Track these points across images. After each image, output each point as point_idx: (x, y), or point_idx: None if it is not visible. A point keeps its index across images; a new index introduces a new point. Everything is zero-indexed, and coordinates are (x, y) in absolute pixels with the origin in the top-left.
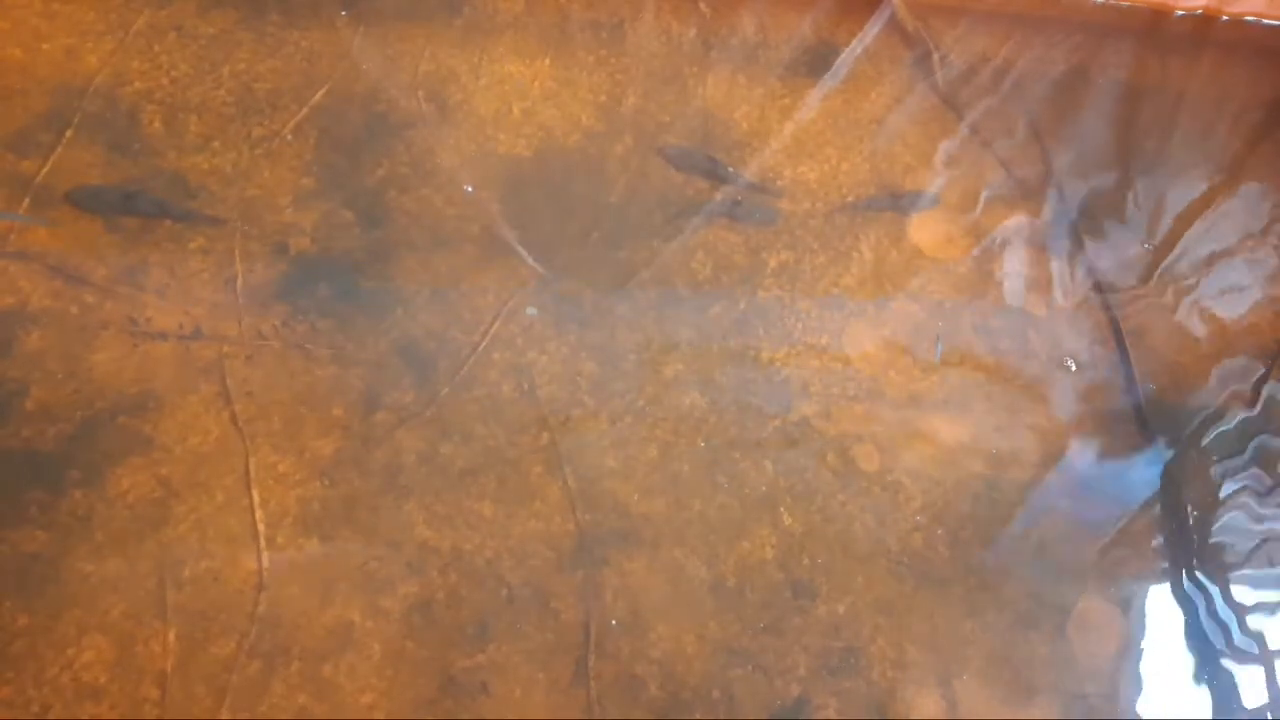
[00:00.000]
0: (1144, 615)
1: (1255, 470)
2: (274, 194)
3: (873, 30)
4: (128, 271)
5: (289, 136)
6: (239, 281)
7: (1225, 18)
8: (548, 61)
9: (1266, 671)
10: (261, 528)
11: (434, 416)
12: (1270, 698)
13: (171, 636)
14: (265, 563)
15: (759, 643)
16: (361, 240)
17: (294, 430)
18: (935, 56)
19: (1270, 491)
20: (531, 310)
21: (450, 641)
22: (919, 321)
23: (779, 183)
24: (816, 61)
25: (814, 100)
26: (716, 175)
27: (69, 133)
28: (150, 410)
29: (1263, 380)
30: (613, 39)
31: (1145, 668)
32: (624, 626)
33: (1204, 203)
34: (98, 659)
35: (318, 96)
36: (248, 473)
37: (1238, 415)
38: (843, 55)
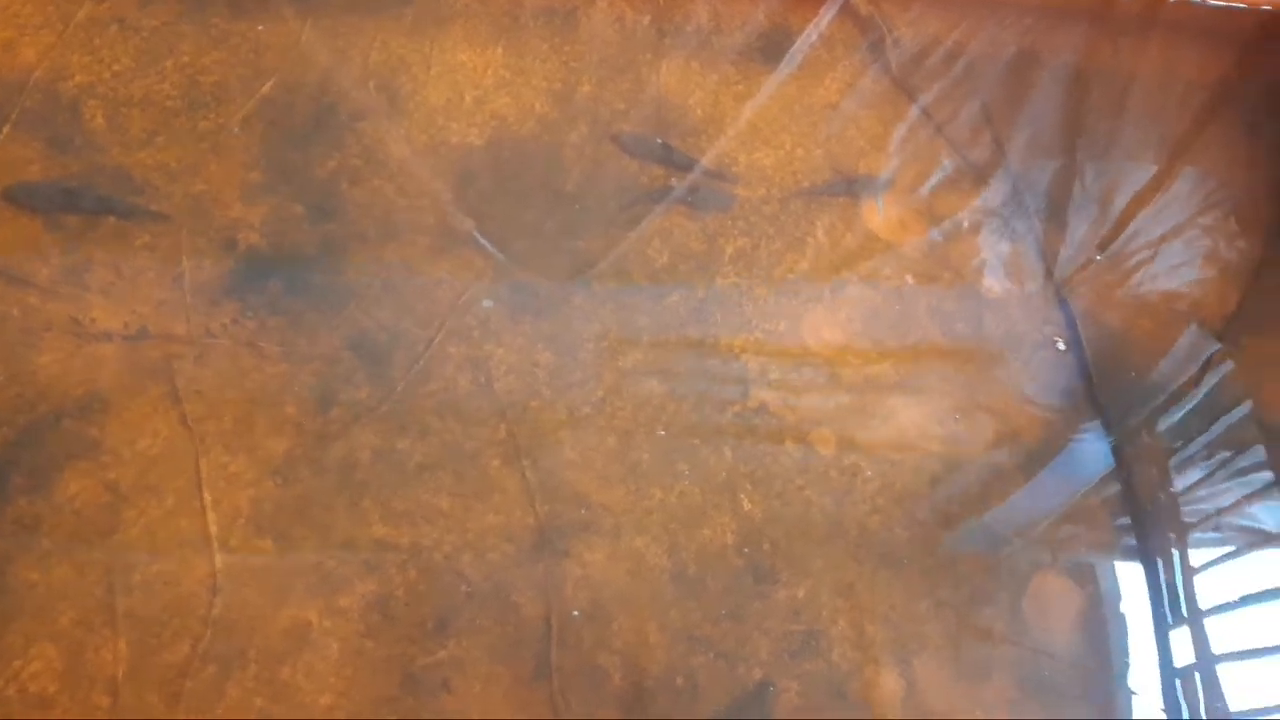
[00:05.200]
0: (1098, 589)
1: (1205, 445)
2: (221, 189)
3: (826, 15)
4: (71, 271)
5: (236, 130)
6: (186, 279)
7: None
8: (500, 50)
9: (1213, 641)
10: (214, 530)
11: (389, 412)
12: (1201, 661)
13: (123, 644)
14: (218, 565)
15: (721, 629)
16: (312, 234)
17: (245, 429)
18: (889, 40)
19: (1220, 465)
20: (487, 302)
21: (410, 639)
22: (875, 306)
23: (734, 169)
24: (770, 47)
25: (769, 86)
26: (672, 163)
27: (6, 129)
28: (97, 412)
29: (1211, 357)
30: (566, 26)
31: (1100, 640)
32: (586, 618)
33: (1153, 184)
34: (46, 669)
35: (265, 88)
36: (199, 474)
37: (1187, 392)
38: (797, 41)
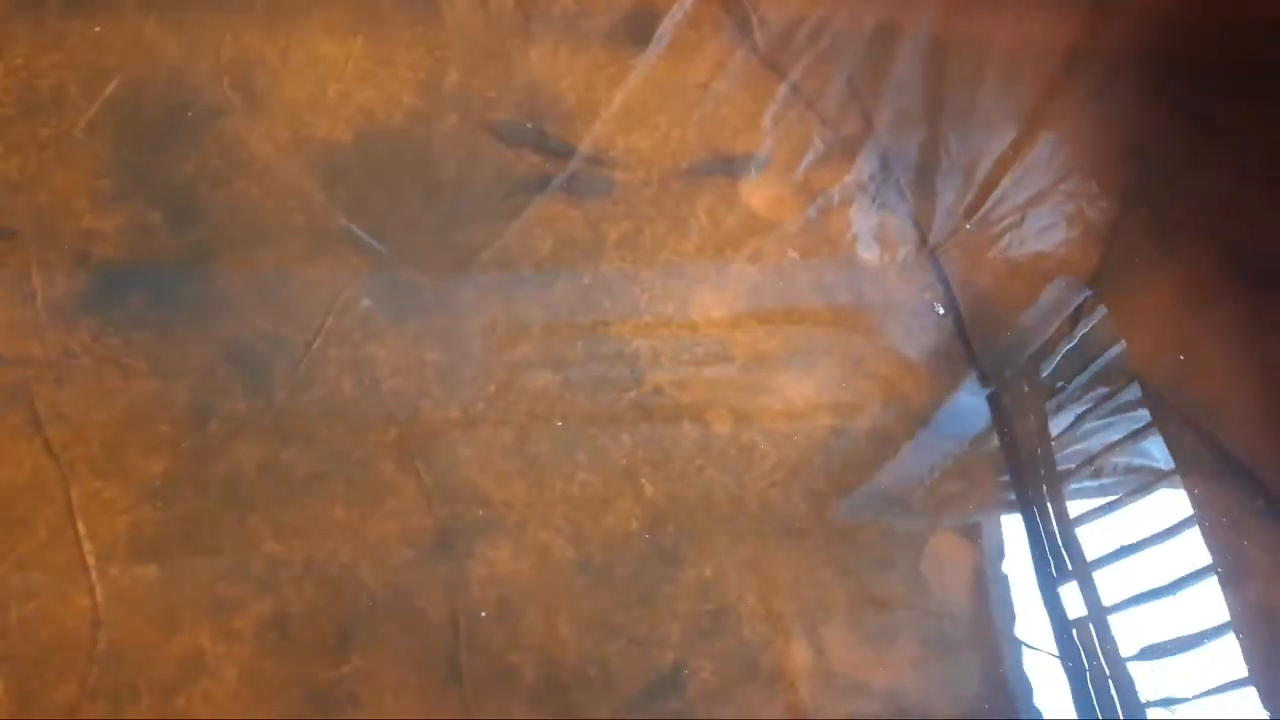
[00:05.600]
0: (991, 544)
1: (1078, 394)
2: (69, 199)
3: None
4: None
5: (81, 136)
6: (38, 297)
7: None
8: (360, 40)
9: (1100, 586)
10: (91, 560)
11: (271, 423)
12: (1091, 608)
13: (2, 686)
14: (100, 597)
15: (631, 615)
16: (173, 242)
17: (117, 452)
18: (754, 19)
19: (1093, 412)
20: (367, 301)
21: (311, 655)
22: (759, 282)
23: (612, 153)
24: (637, 29)
25: (639, 68)
26: (548, 149)
27: None
28: None
29: (1078, 312)
30: (428, 13)
31: (995, 595)
32: (494, 617)
33: (1013, 150)
34: None
35: (110, 90)
36: (70, 503)
37: (1058, 345)
38: (664, 21)
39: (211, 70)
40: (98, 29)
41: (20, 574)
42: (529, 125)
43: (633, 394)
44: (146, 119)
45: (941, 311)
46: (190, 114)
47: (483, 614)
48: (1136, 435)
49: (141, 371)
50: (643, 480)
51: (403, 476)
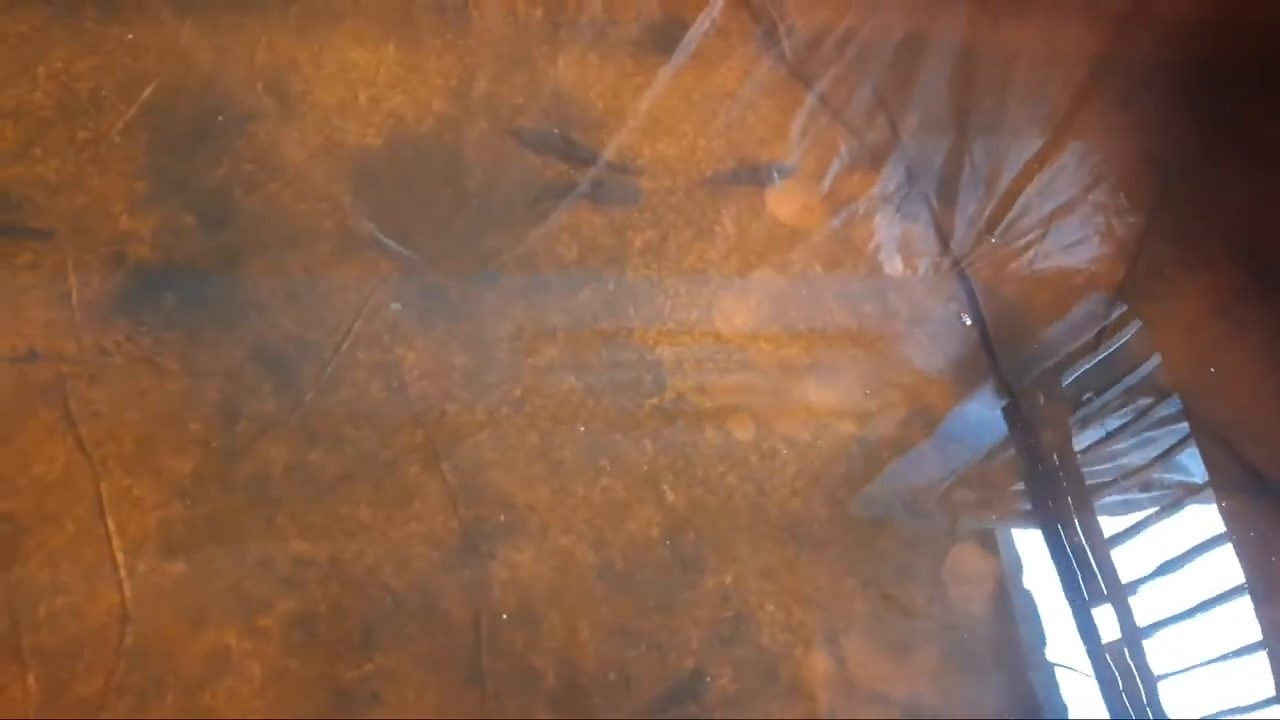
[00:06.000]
0: (1014, 556)
1: (1106, 407)
2: (106, 201)
3: (719, 4)
4: None
5: (118, 138)
6: (74, 296)
7: None
8: (392, 47)
9: (1133, 602)
10: (120, 556)
11: (299, 423)
12: (1118, 623)
13: (31, 680)
14: (128, 592)
15: (651, 621)
16: (206, 244)
17: (147, 450)
18: (781, 28)
19: (1121, 427)
20: (395, 305)
21: (336, 654)
22: (784, 291)
23: (638, 161)
24: (665, 38)
25: (666, 77)
26: (575, 157)
27: None
28: None
29: (1105, 324)
30: (458, 21)
31: (1017, 607)
32: (515, 620)
33: (1040, 160)
34: None
35: (146, 94)
36: (100, 499)
37: (1084, 359)
38: (691, 30)
39: (245, 75)
40: (136, 31)
41: (50, 569)
42: (556, 132)
43: (655, 400)
44: (182, 123)
45: (969, 323)
46: (224, 118)
47: (504, 616)
48: (1166, 451)
49: (173, 371)
50: (664, 486)
51: (428, 478)
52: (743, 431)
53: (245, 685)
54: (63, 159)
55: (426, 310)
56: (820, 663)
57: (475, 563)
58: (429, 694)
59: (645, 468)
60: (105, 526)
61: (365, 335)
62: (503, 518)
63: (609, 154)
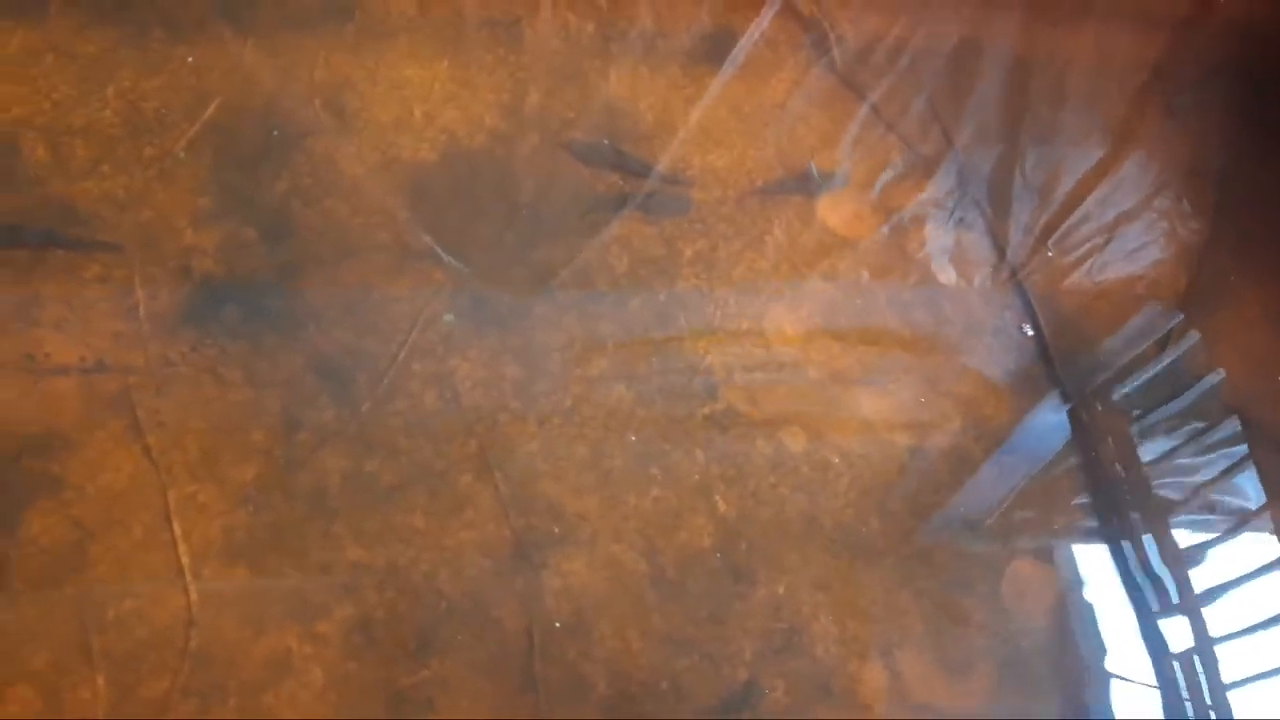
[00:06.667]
0: (1075, 571)
1: (1169, 420)
2: (171, 216)
3: (769, 14)
4: (20, 306)
5: (182, 155)
6: (141, 309)
7: None
8: (446, 63)
9: (1196, 619)
10: (186, 561)
11: (356, 433)
12: (1200, 646)
13: (100, 681)
14: (193, 597)
15: (703, 631)
16: (267, 257)
17: (212, 458)
18: (831, 38)
19: (1186, 440)
20: (449, 317)
21: (392, 659)
22: (835, 300)
23: (689, 172)
24: (715, 49)
25: (716, 88)
26: (626, 169)
27: None
28: (57, 449)
29: (1168, 334)
30: (510, 37)
31: (1077, 623)
32: (567, 628)
33: (1098, 168)
34: (24, 711)
35: (209, 112)
36: (166, 506)
37: (1147, 369)
38: (741, 41)
39: (304, 93)
40: (200, 51)
41: (119, 573)
42: (607, 144)
43: (706, 410)
44: (243, 139)
45: (1030, 332)
46: (279, 134)
47: (556, 624)
48: (1233, 464)
49: (236, 381)
50: (716, 496)
51: (481, 488)
52: (794, 442)
53: (305, 689)
54: (130, 175)
55: (480, 322)
56: (875, 676)
57: (527, 571)
58: (483, 700)
59: (696, 477)
60: (171, 533)
61: (420, 346)
62: (554, 526)
63: (660, 165)
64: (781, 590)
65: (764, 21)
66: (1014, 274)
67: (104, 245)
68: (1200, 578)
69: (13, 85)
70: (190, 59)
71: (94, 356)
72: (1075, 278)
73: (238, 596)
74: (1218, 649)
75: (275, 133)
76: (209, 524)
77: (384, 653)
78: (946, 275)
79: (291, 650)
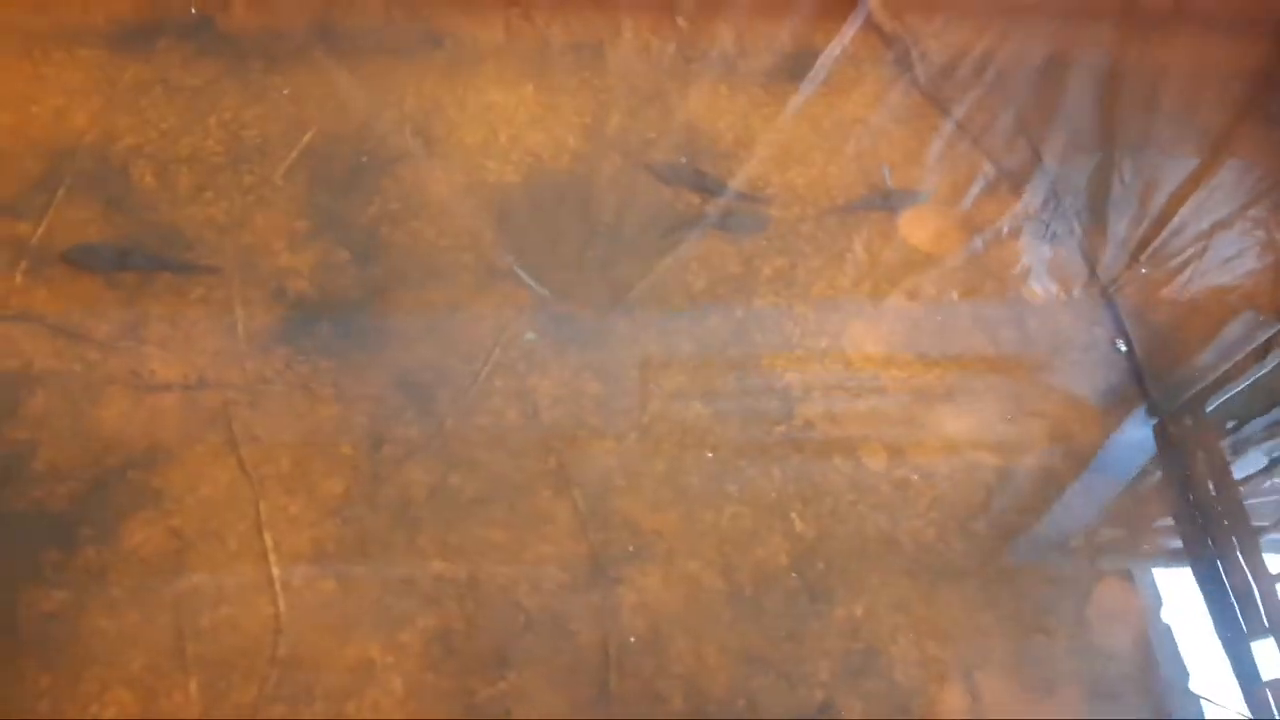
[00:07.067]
0: (1164, 593)
1: (1265, 437)
2: (269, 239)
3: (850, 31)
4: (129, 326)
5: (280, 181)
6: (240, 328)
7: None
8: (531, 87)
9: None
10: (276, 571)
11: (440, 448)
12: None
13: (193, 686)
14: (282, 606)
15: (780, 650)
16: (358, 278)
17: (303, 471)
18: (914, 53)
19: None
20: (530, 335)
21: (471, 670)
22: (917, 317)
23: (768, 190)
24: (796, 67)
25: (796, 105)
26: (705, 188)
27: (62, 192)
28: (159, 462)
29: (1265, 349)
30: (593, 60)
31: (1167, 647)
32: (643, 643)
33: (1193, 178)
34: (121, 714)
35: (306, 139)
36: (259, 517)
37: (1242, 386)
38: (821, 58)
39: (396, 119)
40: (289, 89)
41: (213, 582)
42: (686, 163)
43: (783, 427)
44: (337, 165)
45: (1123, 349)
46: (373, 159)
47: (632, 639)
48: None
49: (326, 397)
50: (793, 514)
51: (559, 503)
52: (874, 460)
53: (387, 697)
54: (230, 201)
55: (560, 340)
56: (955, 699)
57: (604, 586)
58: (557, 713)
59: (773, 495)
60: (263, 543)
61: (502, 364)
62: (631, 542)
63: (738, 183)
64: (860, 610)
65: (845, 38)
66: (1105, 288)
67: (206, 268)
68: None
69: (125, 116)
70: (287, 90)
71: (195, 374)
72: (1168, 290)
73: (324, 605)
74: None
75: (364, 159)
76: (299, 535)
77: (463, 663)
78: (1037, 291)
79: (374, 659)
